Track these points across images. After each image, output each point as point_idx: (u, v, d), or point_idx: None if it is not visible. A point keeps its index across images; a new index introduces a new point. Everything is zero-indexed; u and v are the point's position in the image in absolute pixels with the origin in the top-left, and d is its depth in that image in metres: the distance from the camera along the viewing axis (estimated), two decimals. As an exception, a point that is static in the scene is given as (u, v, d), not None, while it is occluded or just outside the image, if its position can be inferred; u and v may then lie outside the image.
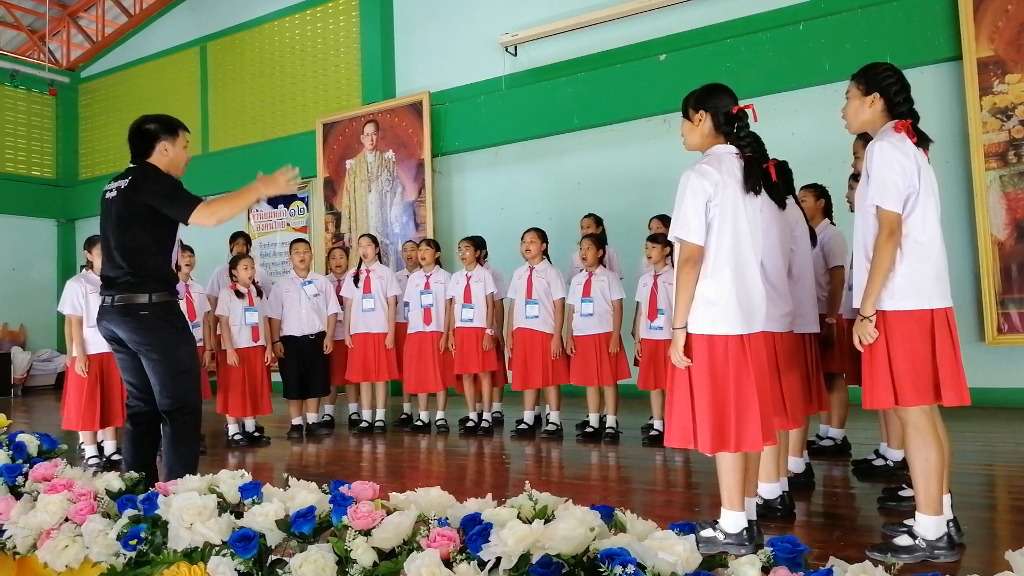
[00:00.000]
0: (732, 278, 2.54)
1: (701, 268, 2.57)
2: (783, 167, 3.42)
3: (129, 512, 2.07)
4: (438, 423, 5.80)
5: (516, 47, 8.18)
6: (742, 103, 2.69)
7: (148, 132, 3.18)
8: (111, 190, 3.17)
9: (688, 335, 2.57)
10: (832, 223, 4.17)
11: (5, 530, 2.30)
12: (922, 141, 2.60)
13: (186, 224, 3.08)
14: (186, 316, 3.39)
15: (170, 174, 3.17)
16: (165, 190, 3.07)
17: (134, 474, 2.40)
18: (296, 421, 5.84)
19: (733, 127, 2.66)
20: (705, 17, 7.16)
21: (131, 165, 3.21)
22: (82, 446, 5.12)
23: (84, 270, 5.11)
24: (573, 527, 1.58)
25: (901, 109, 2.61)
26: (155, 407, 3.20)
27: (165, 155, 3.18)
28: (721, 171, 2.57)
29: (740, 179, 2.60)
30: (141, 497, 2.11)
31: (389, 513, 1.80)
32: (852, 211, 3.53)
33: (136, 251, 3.10)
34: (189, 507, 1.90)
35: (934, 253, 2.54)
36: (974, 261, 5.91)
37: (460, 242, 5.80)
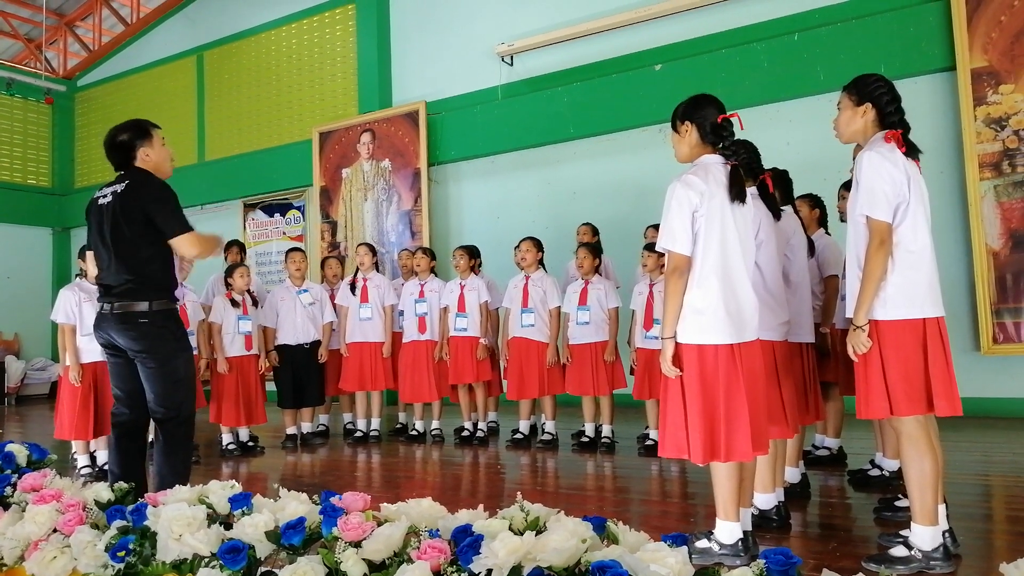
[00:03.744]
0: (720, 287, 2.55)
1: (688, 278, 2.57)
2: (782, 176, 3.43)
3: (118, 523, 2.05)
4: (433, 433, 5.78)
5: (512, 57, 8.21)
6: (735, 113, 2.70)
7: (124, 143, 3.16)
8: (104, 196, 3.15)
9: (678, 345, 2.57)
10: (827, 233, 4.18)
11: (-7, 541, 2.28)
12: (912, 151, 2.61)
13: (167, 239, 3.08)
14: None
15: (167, 183, 3.17)
16: (165, 199, 3.08)
17: (123, 484, 2.38)
18: (290, 431, 5.82)
19: (719, 136, 2.67)
20: (700, 27, 7.19)
21: (120, 172, 3.20)
22: (75, 455, 5.09)
23: (78, 279, 5.09)
24: (564, 539, 1.57)
25: (892, 119, 2.63)
26: (140, 415, 3.18)
27: (148, 160, 3.18)
28: (707, 181, 2.58)
29: (727, 188, 2.61)
30: (130, 508, 2.09)
31: (380, 524, 1.79)
32: (843, 221, 3.54)
33: (135, 257, 3.07)
34: (178, 518, 1.88)
35: (925, 262, 2.55)
36: (969, 271, 5.92)
37: (455, 251, 5.80)
